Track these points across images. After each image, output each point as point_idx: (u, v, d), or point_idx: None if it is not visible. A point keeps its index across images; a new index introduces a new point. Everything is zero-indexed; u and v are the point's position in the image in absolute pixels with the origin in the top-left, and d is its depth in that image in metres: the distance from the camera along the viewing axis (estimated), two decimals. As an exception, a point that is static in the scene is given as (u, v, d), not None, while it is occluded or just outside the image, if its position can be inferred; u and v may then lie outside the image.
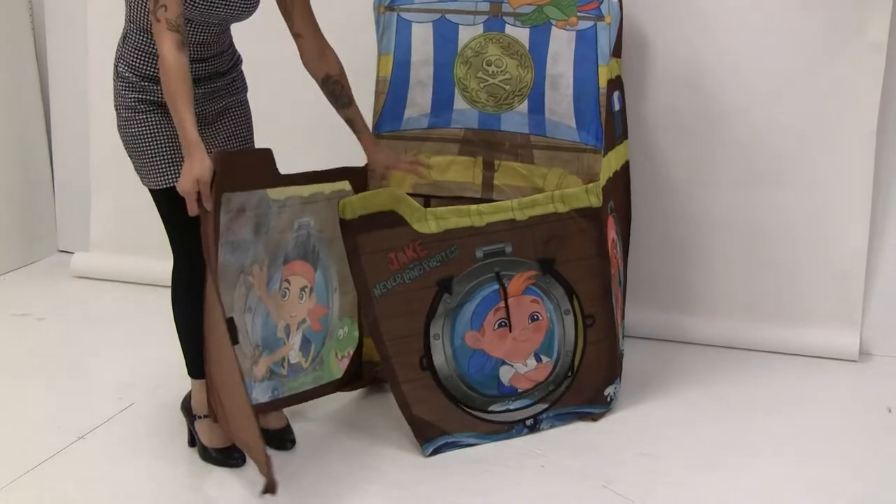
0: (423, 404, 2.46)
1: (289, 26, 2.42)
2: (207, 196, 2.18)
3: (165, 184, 2.30)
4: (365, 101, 2.76)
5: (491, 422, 2.54)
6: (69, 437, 2.68)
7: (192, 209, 2.18)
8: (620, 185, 3.00)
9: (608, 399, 2.74)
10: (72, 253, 3.99)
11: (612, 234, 2.77)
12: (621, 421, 2.76)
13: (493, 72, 2.78)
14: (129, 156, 2.37)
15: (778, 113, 3.11)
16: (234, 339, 2.39)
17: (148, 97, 2.30)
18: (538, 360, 2.59)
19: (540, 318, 2.58)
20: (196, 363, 2.47)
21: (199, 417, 2.51)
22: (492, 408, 2.58)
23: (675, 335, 3.30)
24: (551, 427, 2.62)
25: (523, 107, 2.77)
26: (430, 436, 2.47)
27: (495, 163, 2.81)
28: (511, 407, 2.59)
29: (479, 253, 2.48)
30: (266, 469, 2.17)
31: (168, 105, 2.17)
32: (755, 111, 3.14)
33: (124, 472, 2.55)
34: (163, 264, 2.19)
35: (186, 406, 2.58)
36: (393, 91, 2.81)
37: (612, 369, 2.74)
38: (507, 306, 2.52)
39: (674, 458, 2.59)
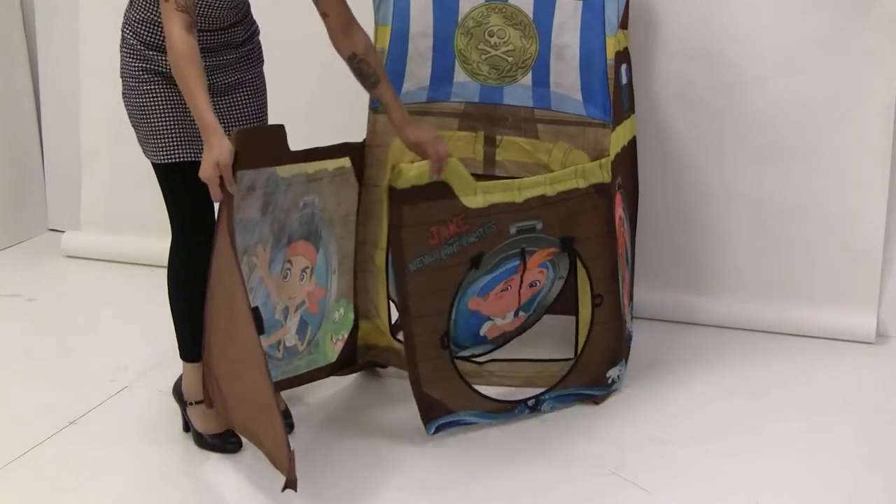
0: (436, 383, 2.45)
1: (315, 5, 2.41)
2: (230, 180, 2.15)
3: (169, 158, 2.28)
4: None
5: (493, 400, 2.54)
6: (60, 422, 2.67)
7: (217, 195, 2.14)
8: (628, 160, 2.97)
9: (609, 381, 2.73)
10: (62, 232, 3.98)
11: (619, 211, 2.75)
12: (630, 404, 2.75)
13: (495, 43, 2.75)
14: (133, 127, 2.36)
15: (792, 85, 3.09)
16: (260, 329, 2.37)
17: (152, 66, 2.28)
18: (516, 314, 2.65)
19: (538, 284, 2.64)
20: (191, 346, 2.45)
21: (192, 404, 2.50)
22: (463, 353, 2.65)
23: (686, 316, 3.29)
24: (552, 409, 2.62)
25: (527, 79, 2.74)
26: (434, 415, 2.47)
27: (497, 138, 2.78)
28: (476, 352, 2.65)
29: (513, 229, 2.49)
30: (288, 465, 2.14)
31: (181, 89, 2.14)
32: (769, 83, 3.11)
33: (117, 457, 2.54)
34: (156, 243, 2.19)
35: (178, 391, 2.57)
36: (391, 63, 2.76)
37: (617, 351, 2.73)
38: (521, 281, 2.56)
39: (684, 442, 2.58)
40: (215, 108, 2.27)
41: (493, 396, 2.58)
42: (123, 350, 3.10)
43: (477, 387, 2.57)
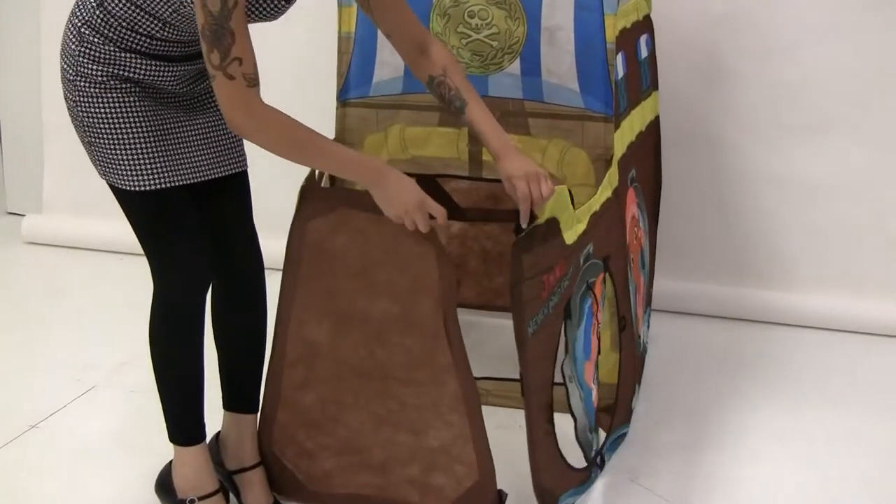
0: (547, 470, 2.26)
1: (377, 25, 2.20)
2: (435, 209, 2.03)
3: (154, 184, 2.07)
4: (328, 63, 2.67)
5: (578, 470, 2.41)
6: (20, 426, 2.65)
7: (423, 226, 2.04)
8: (646, 146, 2.91)
9: (633, 410, 2.70)
10: (22, 215, 3.98)
11: (631, 209, 2.71)
12: (651, 406, 2.75)
13: (476, 25, 2.60)
14: (91, 146, 2.10)
15: (830, 52, 3.06)
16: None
17: (125, 73, 2.06)
18: (596, 379, 2.48)
19: (598, 331, 2.48)
20: (188, 425, 2.24)
21: (191, 501, 2.26)
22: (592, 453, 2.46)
23: (711, 309, 3.31)
24: (609, 459, 2.53)
25: (515, 67, 2.61)
26: None
27: None
28: (600, 447, 2.45)
29: (581, 259, 2.31)
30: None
31: (315, 165, 2.03)
32: (805, 50, 3.09)
33: (82, 467, 2.51)
34: (126, 228, 2.14)
35: (165, 485, 2.31)
36: (359, 49, 2.62)
37: (635, 374, 2.69)
38: (598, 322, 2.40)
39: (710, 448, 2.58)
40: (195, 125, 2.14)
41: (573, 463, 2.45)
42: (90, 346, 3.08)
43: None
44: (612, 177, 2.49)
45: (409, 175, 2.07)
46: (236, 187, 2.24)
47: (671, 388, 2.87)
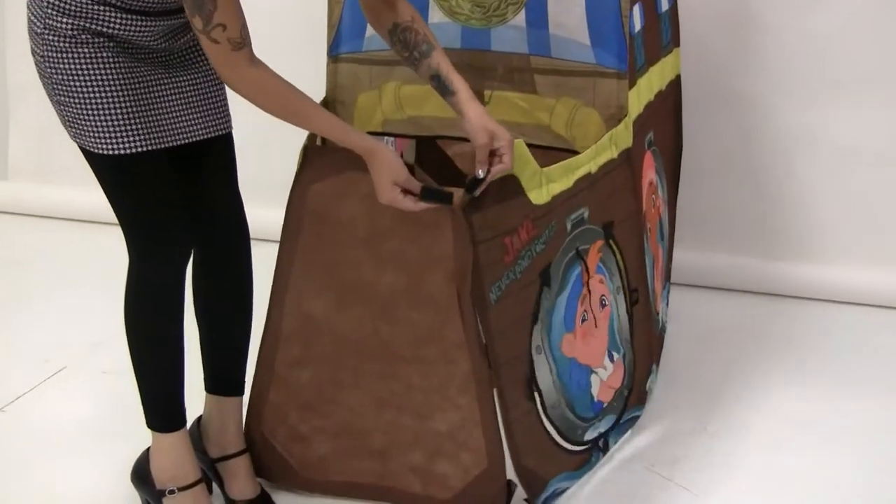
0: (531, 450, 2.26)
1: None
2: (413, 186, 2.03)
3: (128, 147, 2.06)
4: (316, 17, 2.64)
5: (574, 452, 2.41)
6: (-17, 410, 2.66)
7: (411, 206, 2.06)
8: (666, 107, 2.90)
9: (648, 392, 2.69)
10: (-14, 182, 3.96)
11: (649, 175, 2.70)
12: (669, 389, 2.74)
13: None
14: (59, 107, 2.11)
15: (871, 1, 3.03)
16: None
17: (98, 27, 2.05)
18: (611, 358, 2.48)
19: (606, 302, 2.48)
20: (167, 410, 2.24)
21: (170, 492, 2.25)
22: (587, 436, 2.45)
23: (736, 283, 3.31)
24: (615, 443, 2.55)
25: (520, 19, 2.60)
26: (536, 490, 2.29)
27: (485, 93, 2.67)
28: (601, 430, 2.46)
29: (569, 224, 2.34)
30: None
31: (303, 127, 2.06)
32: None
33: (52, 453, 2.52)
34: (98, 196, 2.13)
35: (142, 474, 2.30)
36: (351, 1, 2.62)
37: (651, 355, 2.68)
38: (589, 292, 2.41)
39: (736, 435, 2.58)
40: (176, 82, 2.15)
41: (575, 450, 2.47)
42: (60, 324, 3.07)
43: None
44: (617, 136, 2.47)
45: (408, 137, 2.08)
46: (220, 151, 2.24)
47: (691, 369, 2.87)
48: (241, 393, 2.35)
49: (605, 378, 2.47)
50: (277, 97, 1.99)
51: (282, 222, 2.25)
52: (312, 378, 2.26)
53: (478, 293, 2.13)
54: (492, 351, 2.17)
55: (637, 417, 2.63)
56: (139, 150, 2.07)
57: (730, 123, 3.26)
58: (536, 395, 2.28)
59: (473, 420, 2.18)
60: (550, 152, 2.60)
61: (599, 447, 2.48)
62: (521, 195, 2.20)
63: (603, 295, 2.47)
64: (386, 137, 2.69)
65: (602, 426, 2.48)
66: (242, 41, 1.94)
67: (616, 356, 2.50)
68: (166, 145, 2.12)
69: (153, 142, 2.09)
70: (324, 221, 2.19)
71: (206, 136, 2.18)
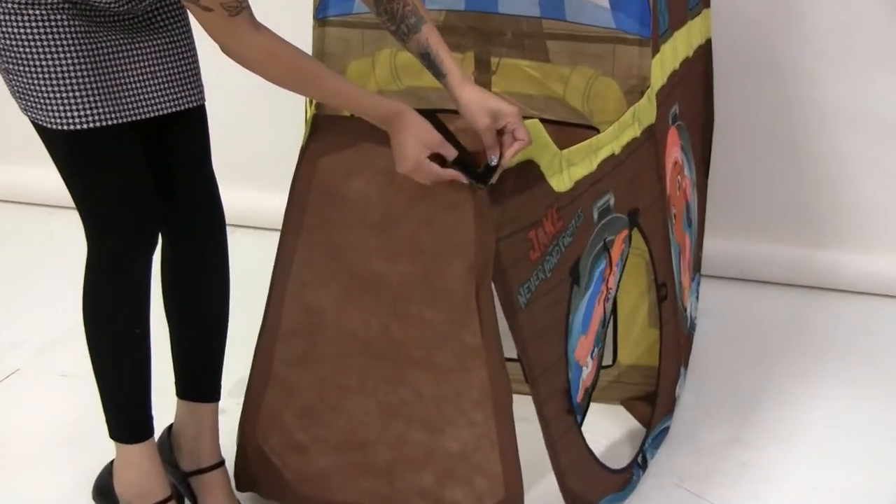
0: (576, 472, 2.26)
1: None
2: (448, 152, 2.00)
3: (80, 121, 2.05)
4: None
5: (616, 471, 2.44)
6: (-73, 416, 2.66)
7: (446, 175, 2.01)
8: (694, 76, 2.90)
9: (676, 399, 2.70)
10: (-72, 162, 3.94)
11: (673, 153, 2.69)
12: (699, 395, 2.75)
13: None
14: (8, 76, 2.08)
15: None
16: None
17: None
18: (592, 354, 2.48)
19: (610, 297, 2.47)
20: (132, 419, 2.25)
21: None
22: None
23: (773, 274, 3.32)
24: (652, 458, 2.56)
25: None
26: None
27: (492, 61, 2.67)
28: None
29: (595, 213, 2.30)
30: None
31: (307, 93, 2.05)
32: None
33: (4, 465, 2.52)
34: (56, 178, 2.11)
35: (105, 491, 2.31)
36: None
37: (679, 356, 2.69)
38: (607, 289, 2.41)
39: (775, 446, 2.58)
40: (140, 49, 2.12)
41: (605, 463, 2.48)
42: (13, 321, 3.08)
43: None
44: (641, 111, 2.46)
45: None
46: (191, 125, 2.22)
47: (724, 371, 2.87)
48: (217, 398, 2.34)
49: (584, 377, 2.45)
50: (290, 64, 1.95)
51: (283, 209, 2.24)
52: (315, 380, 2.25)
53: (505, 297, 2.09)
54: (526, 362, 2.13)
55: (668, 428, 2.63)
56: (99, 124, 2.05)
57: (766, 95, 3.25)
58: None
59: (489, 440, 2.15)
60: (565, 128, 2.58)
61: (639, 464, 2.49)
62: (542, 182, 2.16)
63: (611, 289, 2.47)
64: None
65: None
66: (239, 4, 1.89)
67: (595, 352, 2.48)
68: (130, 119, 2.09)
69: (115, 115, 2.07)
70: (330, 201, 2.16)
71: (175, 109, 2.16)
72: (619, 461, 2.46)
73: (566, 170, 2.23)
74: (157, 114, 2.13)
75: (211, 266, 2.30)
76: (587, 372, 2.43)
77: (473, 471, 2.18)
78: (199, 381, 2.33)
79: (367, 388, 2.22)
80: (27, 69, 2.04)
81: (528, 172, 2.12)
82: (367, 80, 2.64)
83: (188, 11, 2.11)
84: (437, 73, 2.16)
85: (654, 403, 2.57)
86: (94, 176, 2.11)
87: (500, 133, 2.08)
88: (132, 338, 2.19)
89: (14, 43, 2.03)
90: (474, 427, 2.16)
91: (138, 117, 2.10)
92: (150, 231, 2.16)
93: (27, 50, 2.03)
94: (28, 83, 2.05)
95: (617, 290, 2.53)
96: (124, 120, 2.08)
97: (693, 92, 2.90)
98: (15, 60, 2.04)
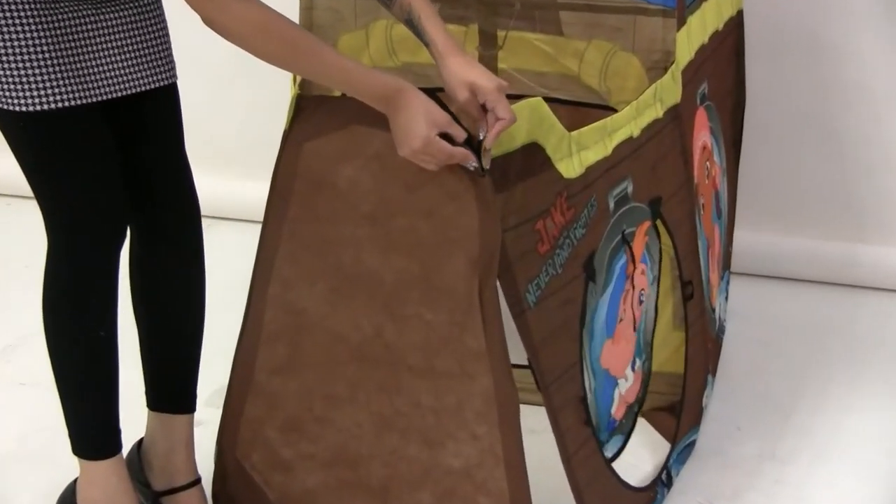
0: (595, 491, 2.26)
1: None
2: (457, 132, 1.97)
3: (39, 102, 2.04)
4: None
5: (639, 489, 2.45)
6: None
7: (459, 155, 1.98)
8: (724, 52, 2.91)
9: (703, 409, 2.71)
10: None
11: (702, 136, 2.69)
12: (731, 404, 2.75)
13: None
14: None
15: None
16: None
17: None
18: (633, 366, 2.48)
19: (643, 298, 2.48)
20: (101, 431, 2.25)
21: None
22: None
23: (814, 271, 3.34)
24: (677, 474, 2.57)
25: None
26: None
27: (499, 34, 2.69)
28: (609, 454, 2.44)
29: (612, 202, 2.30)
30: None
31: (301, 70, 2.03)
32: None
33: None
34: (11, 162, 2.11)
35: None
36: None
37: (707, 362, 2.69)
38: (633, 287, 2.40)
39: (811, 462, 2.58)
40: (100, 28, 2.10)
41: (637, 485, 2.49)
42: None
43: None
44: (663, 90, 2.44)
45: None
46: (162, 106, 2.22)
47: (755, 379, 2.87)
48: (192, 410, 2.33)
49: (624, 391, 2.45)
50: (281, 37, 1.93)
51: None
52: (301, 389, 2.24)
53: (512, 295, 2.08)
54: (537, 367, 2.11)
55: (695, 442, 2.63)
56: (63, 104, 2.05)
57: (803, 73, 3.25)
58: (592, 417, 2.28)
59: (494, 455, 2.12)
60: (579, 109, 2.58)
61: (663, 481, 2.48)
62: (549, 167, 2.13)
63: (643, 290, 2.45)
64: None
65: (609, 450, 2.43)
66: None
67: (637, 364, 2.48)
68: (96, 99, 2.09)
69: (80, 95, 2.07)
70: (318, 190, 2.14)
71: (144, 88, 2.16)
72: (640, 478, 2.46)
73: (576, 154, 2.20)
74: (125, 93, 2.13)
75: (185, 262, 2.29)
76: (628, 386, 2.43)
77: (477, 489, 2.16)
78: (172, 391, 2.32)
79: (359, 398, 2.20)
80: None
81: (533, 157, 2.10)
82: (360, 56, 2.63)
83: None
84: (422, 41, 2.15)
85: (679, 415, 2.56)
86: (57, 162, 2.10)
87: (486, 111, 2.04)
88: (97, 341, 2.18)
89: None
90: (477, 441, 2.14)
91: (105, 97, 2.10)
92: (118, 223, 2.16)
93: None
94: None
95: (658, 293, 2.52)
96: (90, 100, 2.08)
97: (723, 69, 2.90)
98: None
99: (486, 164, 1.98)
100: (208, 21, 1.92)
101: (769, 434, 2.67)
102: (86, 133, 2.09)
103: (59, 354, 2.20)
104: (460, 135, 1.96)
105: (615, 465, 2.40)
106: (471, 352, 2.09)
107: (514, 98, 2.30)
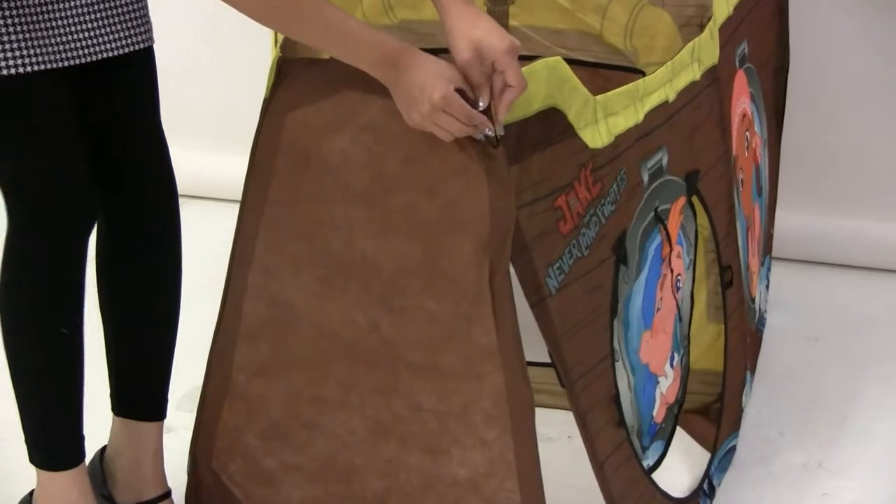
0: (630, 494, 2.27)
1: None
2: (471, 109, 1.94)
3: (16, 66, 2.06)
4: None
5: (681, 501, 2.46)
6: None
7: (464, 129, 1.96)
8: (765, 7, 2.90)
9: (741, 411, 2.71)
10: None
11: (741, 103, 2.69)
12: (773, 406, 2.76)
13: None
14: None
15: None
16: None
17: None
18: (671, 362, 2.48)
19: (680, 284, 2.47)
20: (61, 438, 2.26)
21: None
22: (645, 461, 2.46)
23: (866, 257, 3.37)
24: (719, 484, 2.58)
25: None
26: None
27: None
28: (650, 462, 2.44)
29: (645, 175, 2.28)
30: None
31: (307, 39, 1.99)
32: None
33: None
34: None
35: None
36: None
37: (746, 358, 2.69)
38: (671, 271, 2.40)
39: (863, 475, 2.58)
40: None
41: (667, 490, 2.49)
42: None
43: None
44: (701, 48, 2.43)
45: None
46: (136, 73, 2.21)
47: (801, 378, 2.88)
48: (163, 416, 2.34)
49: (665, 390, 2.46)
50: None
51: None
52: (286, 392, 2.23)
53: (530, 281, 2.05)
54: (560, 363, 2.10)
55: (735, 448, 2.63)
56: (24, 69, 2.04)
57: (859, 31, 3.25)
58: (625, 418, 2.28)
59: (505, 463, 2.11)
60: (602, 72, 2.60)
61: (705, 491, 2.49)
62: (572, 136, 2.11)
63: (679, 275, 2.44)
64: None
65: (651, 457, 2.44)
66: None
67: (676, 359, 2.49)
68: (61, 64, 2.08)
69: (44, 59, 2.06)
70: (305, 166, 2.12)
71: (116, 52, 2.15)
72: (681, 488, 2.47)
73: (603, 120, 2.18)
74: (93, 58, 2.12)
75: (159, 248, 2.29)
76: (668, 384, 2.44)
77: (485, 503, 2.16)
78: (140, 395, 2.33)
79: (352, 401, 2.20)
80: None
81: (553, 124, 2.07)
82: (352, 12, 2.62)
83: None
84: None
85: (719, 417, 2.56)
86: (17, 137, 2.11)
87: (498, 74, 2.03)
88: (60, 339, 2.18)
89: None
90: (487, 447, 2.13)
91: (71, 62, 2.09)
92: (88, 202, 2.16)
93: None
94: None
95: (694, 278, 2.53)
96: (54, 65, 2.07)
97: (765, 27, 2.90)
98: None
99: (500, 132, 1.96)
100: None
101: (817, 442, 2.67)
102: (50, 104, 2.09)
103: (16, 353, 2.20)
104: (485, 96, 1.95)
105: (655, 474, 2.42)
106: (479, 347, 2.09)
107: (526, 60, 2.26)
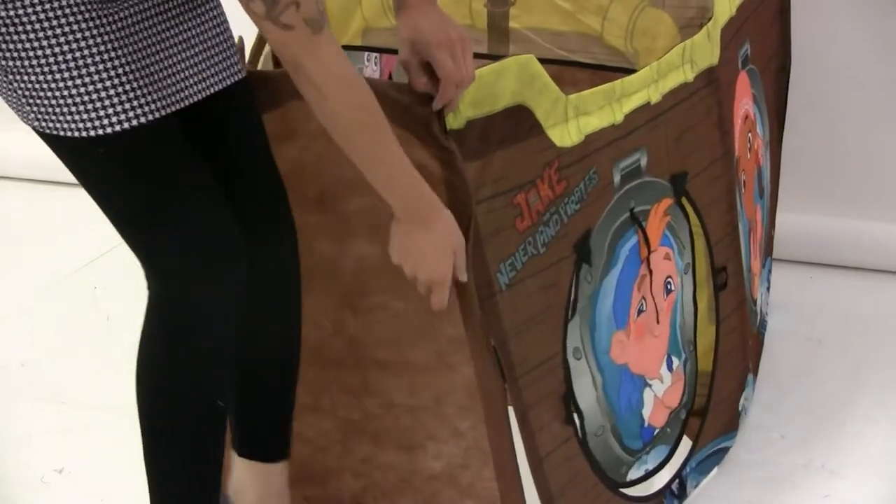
0: (572, 494, 2.25)
1: None
2: (463, 267, 2.02)
3: (123, 119, 1.94)
4: None
5: (639, 499, 2.44)
6: None
7: (442, 301, 2.00)
8: (768, 9, 2.91)
9: (741, 413, 2.70)
10: None
11: (744, 104, 2.69)
12: (775, 408, 2.77)
13: None
14: (10, 80, 2.01)
15: None
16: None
17: None
18: (669, 366, 2.49)
19: (672, 287, 2.47)
20: None
21: None
22: (630, 475, 2.43)
23: (871, 258, 3.35)
24: (696, 486, 2.57)
25: None
26: None
27: None
28: (650, 466, 2.45)
29: (617, 176, 2.29)
30: None
31: (365, 155, 1.94)
32: None
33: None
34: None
35: None
36: None
37: (747, 360, 2.69)
38: (650, 272, 2.39)
39: (865, 477, 2.58)
40: (171, 35, 2.04)
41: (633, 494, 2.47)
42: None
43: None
44: (695, 50, 2.43)
45: (397, 53, 2.04)
46: (241, 101, 2.13)
47: (803, 380, 2.88)
48: (287, 455, 2.23)
49: (661, 394, 2.45)
50: (361, 97, 1.90)
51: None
52: None
53: (480, 276, 2.06)
54: (505, 357, 2.09)
55: (726, 450, 2.63)
56: (149, 117, 1.95)
57: (861, 31, 3.25)
58: (576, 417, 2.24)
59: (481, 452, 2.13)
60: (601, 73, 2.60)
61: (673, 493, 2.47)
62: (538, 134, 2.12)
63: (669, 277, 2.45)
64: (367, 53, 2.70)
65: (651, 461, 2.45)
66: (321, 17, 1.84)
67: (676, 363, 2.48)
68: (179, 105, 2.00)
69: (164, 103, 1.98)
70: None
71: (223, 85, 2.09)
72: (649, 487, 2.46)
73: (574, 119, 2.19)
74: (205, 94, 2.06)
75: (285, 282, 2.20)
76: (665, 388, 2.44)
77: (463, 494, 2.18)
78: (267, 434, 2.24)
79: (323, 404, 2.21)
80: (36, 62, 1.96)
81: (519, 121, 2.07)
82: (350, 16, 2.64)
83: None
84: None
85: (703, 419, 2.56)
86: (155, 188, 2.00)
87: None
88: (219, 414, 2.06)
89: (13, 30, 1.95)
90: (461, 438, 2.16)
91: (187, 101, 2.01)
92: (239, 252, 2.05)
93: (34, 36, 1.95)
94: (38, 81, 1.96)
95: (695, 281, 2.53)
96: (173, 108, 1.99)
97: (767, 27, 2.90)
98: (16, 54, 1.96)
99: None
100: (298, 69, 1.88)
101: (818, 443, 2.67)
102: (178, 148, 2.02)
103: (166, 438, 2.07)
104: (461, 265, 2.01)
105: (658, 476, 2.44)
106: (449, 340, 2.12)
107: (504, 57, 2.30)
